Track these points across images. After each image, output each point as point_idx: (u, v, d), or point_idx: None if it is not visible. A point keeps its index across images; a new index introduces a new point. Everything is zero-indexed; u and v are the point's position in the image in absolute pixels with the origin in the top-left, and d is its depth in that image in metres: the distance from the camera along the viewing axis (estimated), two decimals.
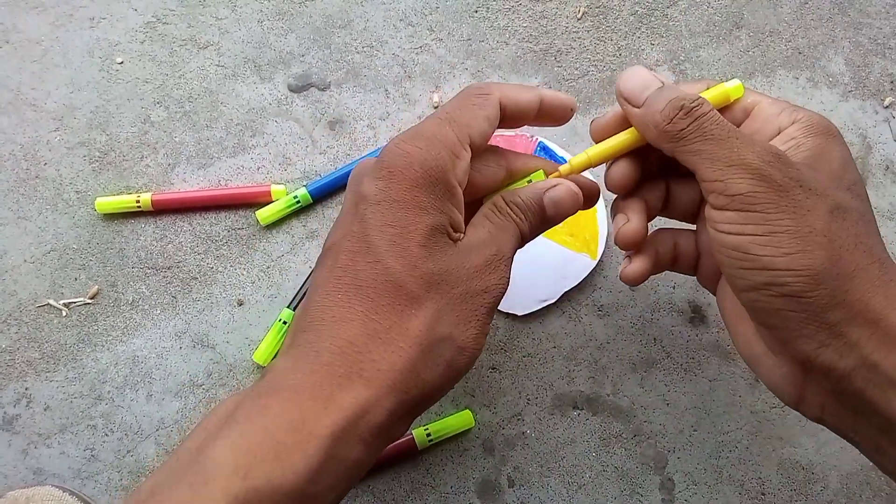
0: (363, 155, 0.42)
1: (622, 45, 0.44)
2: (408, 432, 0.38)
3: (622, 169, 0.31)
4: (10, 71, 0.43)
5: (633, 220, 0.31)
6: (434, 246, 0.27)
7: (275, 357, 0.28)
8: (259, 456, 0.22)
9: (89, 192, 0.41)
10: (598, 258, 0.40)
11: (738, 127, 0.28)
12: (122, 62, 0.43)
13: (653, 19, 0.44)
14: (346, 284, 0.26)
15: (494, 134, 0.41)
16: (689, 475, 0.38)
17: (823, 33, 0.44)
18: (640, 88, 0.29)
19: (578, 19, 0.44)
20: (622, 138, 0.30)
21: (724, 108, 0.30)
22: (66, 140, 0.42)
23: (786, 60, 0.43)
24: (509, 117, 0.30)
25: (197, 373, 0.39)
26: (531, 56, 0.43)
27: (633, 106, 0.29)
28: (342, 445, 0.23)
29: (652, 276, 0.33)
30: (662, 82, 0.29)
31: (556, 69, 0.43)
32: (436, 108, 0.43)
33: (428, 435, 0.37)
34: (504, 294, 0.29)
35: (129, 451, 0.38)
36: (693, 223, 0.33)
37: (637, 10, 0.44)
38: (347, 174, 0.41)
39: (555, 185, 0.30)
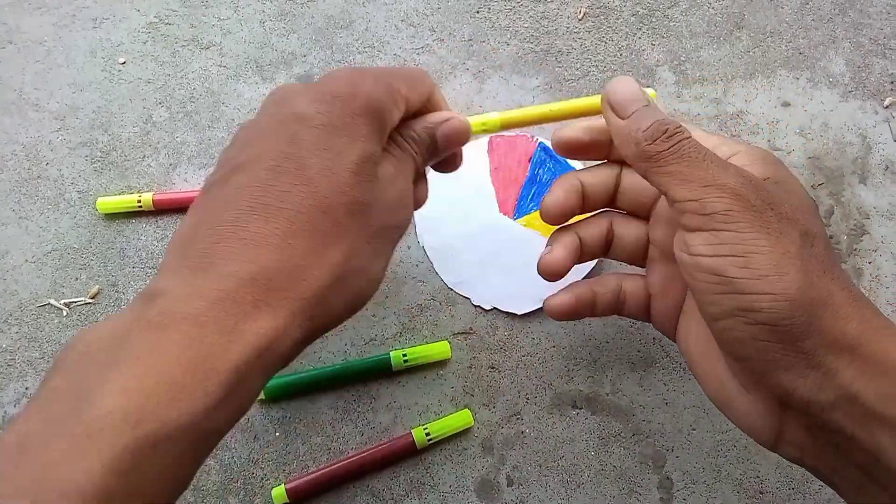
0: None
1: (623, 46, 0.44)
2: (407, 432, 0.38)
3: (555, 197, 0.32)
4: (14, 71, 0.43)
5: (555, 251, 0.32)
6: (362, 174, 0.26)
7: (162, 273, 0.24)
8: (153, 400, 0.20)
9: (91, 192, 0.42)
10: (597, 258, 0.40)
11: None
12: (124, 62, 0.43)
13: (653, 20, 0.44)
14: (265, 204, 0.24)
15: (496, 135, 0.42)
16: (687, 474, 0.38)
17: (824, 34, 0.44)
18: (628, 101, 0.28)
19: (579, 20, 0.44)
20: (564, 105, 0.31)
21: None
22: (69, 140, 0.42)
23: (786, 61, 0.43)
24: (425, 108, 0.31)
25: None
26: (532, 56, 0.44)
27: (619, 116, 0.29)
28: (244, 379, 0.22)
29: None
30: (648, 101, 0.29)
31: (556, 69, 0.43)
32: None
33: (427, 434, 0.37)
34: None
35: None
36: (641, 265, 0.33)
37: (638, 11, 0.44)
38: None
39: (447, 120, 0.31)
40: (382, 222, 0.27)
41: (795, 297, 0.24)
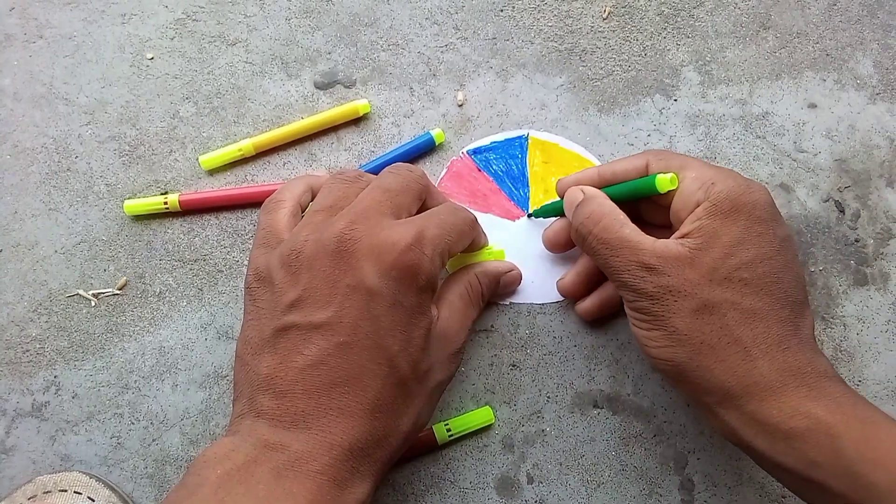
0: (388, 151, 0.42)
1: (648, 46, 0.43)
2: (428, 427, 0.38)
3: (570, 280, 0.39)
4: (44, 65, 0.44)
5: (568, 276, 0.38)
6: (427, 343, 0.31)
7: (256, 413, 0.29)
8: None
9: (119, 186, 0.42)
10: None
11: (670, 201, 0.33)
12: (152, 58, 0.44)
13: (679, 19, 0.44)
14: (354, 377, 0.29)
15: (439, 182, 0.43)
16: (708, 476, 0.38)
17: (852, 35, 0.43)
18: (569, 205, 0.35)
19: (604, 19, 0.44)
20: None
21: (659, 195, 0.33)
22: (97, 134, 0.43)
23: (813, 62, 0.43)
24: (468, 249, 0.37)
25: (221, 364, 0.40)
26: (556, 55, 0.44)
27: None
28: None
29: None
30: (584, 192, 0.35)
31: (580, 68, 0.43)
32: (460, 106, 0.43)
33: (448, 430, 0.38)
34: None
35: (154, 440, 0.39)
36: None
37: (663, 11, 0.44)
38: (371, 171, 0.41)
39: (511, 270, 0.39)
40: (439, 379, 0.32)
41: (681, 365, 0.30)
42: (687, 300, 0.29)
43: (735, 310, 0.29)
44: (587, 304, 0.38)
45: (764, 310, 0.29)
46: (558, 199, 0.38)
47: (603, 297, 0.38)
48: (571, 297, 0.39)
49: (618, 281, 0.32)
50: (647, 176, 0.34)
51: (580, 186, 0.36)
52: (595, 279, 0.38)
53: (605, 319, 0.40)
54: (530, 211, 0.41)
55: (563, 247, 0.39)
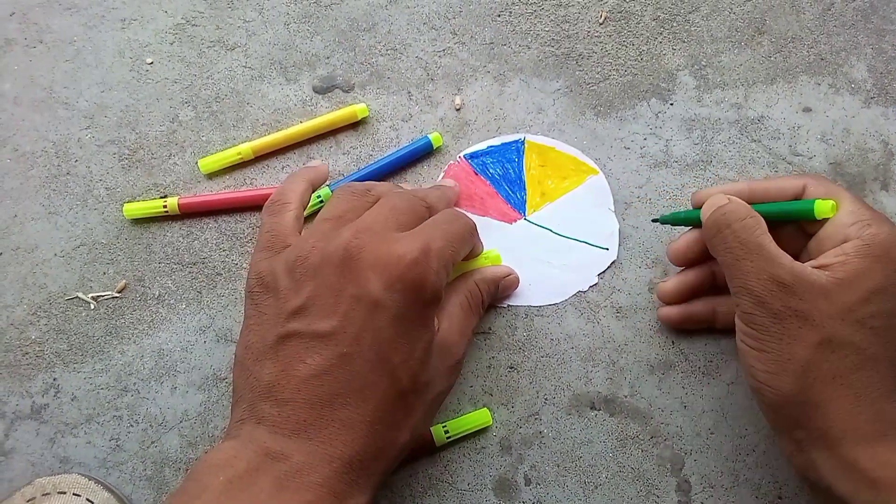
0: (386, 154, 0.42)
1: (644, 50, 0.44)
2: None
3: (680, 245, 0.37)
4: (44, 70, 0.44)
5: (671, 283, 0.38)
6: (428, 356, 0.31)
7: (258, 419, 0.29)
8: None
9: (118, 189, 0.42)
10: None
11: (814, 230, 0.33)
12: (151, 62, 0.44)
13: (675, 24, 0.44)
14: (356, 390, 0.29)
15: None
16: (705, 477, 0.38)
17: (846, 39, 0.44)
18: (707, 208, 0.34)
19: (600, 24, 0.44)
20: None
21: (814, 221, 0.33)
22: (97, 138, 0.43)
23: (808, 66, 0.43)
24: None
25: (220, 367, 0.40)
26: (553, 60, 0.44)
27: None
28: None
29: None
30: (729, 200, 0.33)
31: (577, 73, 0.44)
32: (458, 110, 0.43)
33: (446, 432, 0.38)
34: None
35: (153, 442, 0.39)
36: None
37: (659, 16, 0.44)
38: (369, 175, 0.42)
39: (509, 274, 0.39)
40: (439, 390, 0.32)
41: (786, 396, 0.29)
42: (813, 331, 0.29)
43: (858, 354, 0.29)
44: (672, 311, 0.38)
45: (885, 359, 0.29)
46: (691, 209, 0.37)
47: (691, 311, 0.38)
48: (669, 302, 0.38)
49: (742, 287, 0.31)
50: (802, 199, 0.33)
51: (727, 196, 0.34)
52: (694, 293, 0.38)
53: (601, 322, 0.40)
54: (658, 217, 0.39)
55: (690, 261, 0.37)
